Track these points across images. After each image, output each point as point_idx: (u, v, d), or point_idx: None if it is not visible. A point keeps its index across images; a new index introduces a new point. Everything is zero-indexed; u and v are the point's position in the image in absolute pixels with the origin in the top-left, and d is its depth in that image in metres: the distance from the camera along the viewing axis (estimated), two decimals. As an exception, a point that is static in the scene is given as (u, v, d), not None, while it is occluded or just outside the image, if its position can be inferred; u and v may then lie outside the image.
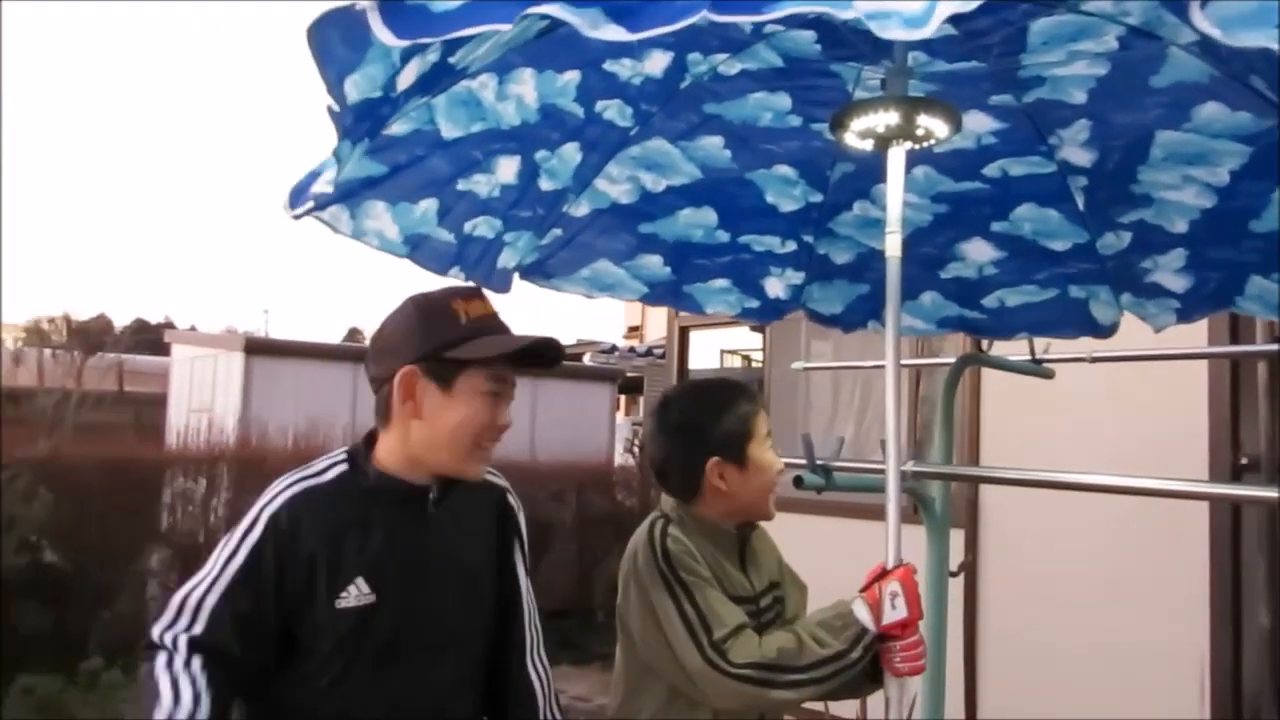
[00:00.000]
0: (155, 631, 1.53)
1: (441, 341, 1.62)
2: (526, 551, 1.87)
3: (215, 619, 1.52)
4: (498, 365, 1.64)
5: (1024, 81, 2.04)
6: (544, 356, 1.69)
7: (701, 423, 1.94)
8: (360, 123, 1.51)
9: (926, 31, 1.03)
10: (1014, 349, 3.07)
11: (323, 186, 1.60)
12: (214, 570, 1.55)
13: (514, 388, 1.69)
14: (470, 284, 1.82)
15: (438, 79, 1.60)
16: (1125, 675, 3.90)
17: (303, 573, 1.56)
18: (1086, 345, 2.76)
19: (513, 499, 1.87)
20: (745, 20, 1.67)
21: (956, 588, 3.88)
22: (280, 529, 1.57)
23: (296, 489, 1.62)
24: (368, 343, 1.73)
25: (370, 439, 1.70)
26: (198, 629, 1.52)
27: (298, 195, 1.65)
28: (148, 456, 7.75)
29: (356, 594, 1.58)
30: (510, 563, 1.83)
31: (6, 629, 6.03)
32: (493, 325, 1.67)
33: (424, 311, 1.66)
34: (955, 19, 1.87)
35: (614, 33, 1.12)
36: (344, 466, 1.67)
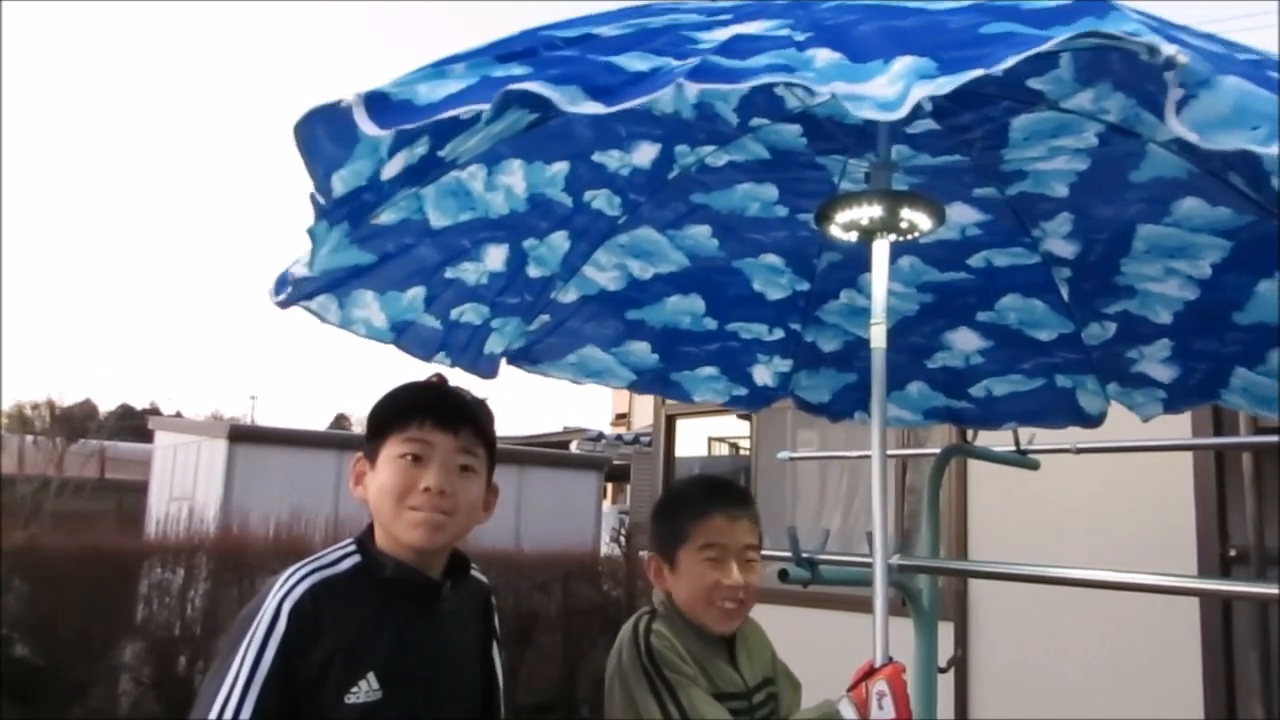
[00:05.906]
0: None
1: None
2: (500, 645, 1.89)
3: None
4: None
5: (1007, 175, 2.08)
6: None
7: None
8: (340, 207, 1.51)
9: (900, 113, 1.04)
10: (999, 439, 3.03)
11: (301, 270, 1.61)
12: (241, 673, 1.47)
13: (435, 447, 1.65)
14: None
15: (427, 170, 1.61)
16: (1123, 774, 3.81)
17: (316, 667, 1.51)
18: (1071, 436, 2.76)
19: (494, 598, 1.89)
20: (721, 88, 1.69)
21: (946, 683, 3.79)
22: (304, 622, 1.51)
23: (315, 579, 1.57)
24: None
25: (371, 529, 1.70)
26: None
27: (280, 284, 1.66)
28: (126, 546, 7.58)
29: (366, 690, 1.54)
30: (490, 655, 1.84)
31: (-28, 725, 5.83)
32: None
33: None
34: (937, 114, 1.92)
35: (592, 107, 1.13)
36: (357, 557, 1.64)
